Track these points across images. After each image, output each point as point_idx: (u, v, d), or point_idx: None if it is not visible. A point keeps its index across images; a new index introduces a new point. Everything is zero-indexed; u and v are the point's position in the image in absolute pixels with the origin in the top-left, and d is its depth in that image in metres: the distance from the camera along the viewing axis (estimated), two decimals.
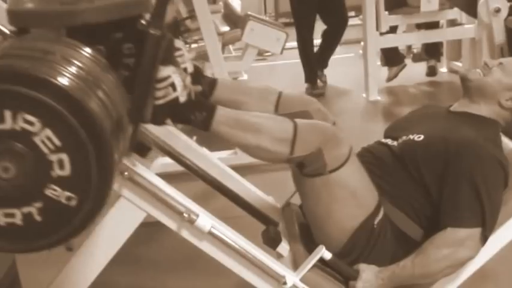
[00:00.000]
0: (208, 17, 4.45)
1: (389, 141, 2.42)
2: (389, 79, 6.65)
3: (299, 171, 2.13)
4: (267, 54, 8.05)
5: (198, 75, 2.37)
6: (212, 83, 2.43)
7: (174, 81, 1.97)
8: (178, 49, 2.21)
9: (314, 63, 6.58)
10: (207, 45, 4.45)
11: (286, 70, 7.59)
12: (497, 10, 5.09)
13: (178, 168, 2.47)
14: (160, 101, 1.97)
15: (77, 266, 2.09)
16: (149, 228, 2.20)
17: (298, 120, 2.13)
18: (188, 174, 2.46)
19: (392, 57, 6.62)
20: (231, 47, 7.17)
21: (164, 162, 2.76)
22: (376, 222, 2.18)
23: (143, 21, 1.84)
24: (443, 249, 2.13)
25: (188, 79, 2.11)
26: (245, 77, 6.76)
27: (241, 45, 5.86)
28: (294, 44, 6.59)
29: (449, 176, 2.18)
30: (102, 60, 1.76)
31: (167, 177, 2.14)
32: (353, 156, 2.14)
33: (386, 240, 2.21)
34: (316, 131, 2.11)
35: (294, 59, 6.85)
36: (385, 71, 6.70)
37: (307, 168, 2.10)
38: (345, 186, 2.11)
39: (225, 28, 6.19)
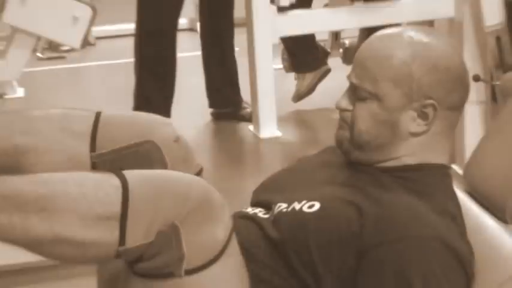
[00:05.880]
0: None
1: (258, 212, 1.57)
2: (300, 96, 4.26)
3: (128, 265, 1.35)
4: (64, 49, 5.41)
5: None
6: None
7: None
8: None
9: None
10: None
11: (111, 78, 4.93)
12: None
13: None
14: None
15: None
16: None
17: (130, 175, 1.32)
18: None
19: (304, 57, 4.25)
20: None
21: None
22: None
23: None
24: None
25: None
26: (19, 93, 4.53)
27: (5, 31, 3.63)
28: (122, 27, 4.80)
29: (365, 275, 1.39)
30: None
31: None
32: (232, 248, 1.38)
33: None
34: (170, 191, 1.33)
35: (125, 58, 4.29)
36: (291, 82, 4.27)
37: (144, 262, 1.32)
38: None
39: None
